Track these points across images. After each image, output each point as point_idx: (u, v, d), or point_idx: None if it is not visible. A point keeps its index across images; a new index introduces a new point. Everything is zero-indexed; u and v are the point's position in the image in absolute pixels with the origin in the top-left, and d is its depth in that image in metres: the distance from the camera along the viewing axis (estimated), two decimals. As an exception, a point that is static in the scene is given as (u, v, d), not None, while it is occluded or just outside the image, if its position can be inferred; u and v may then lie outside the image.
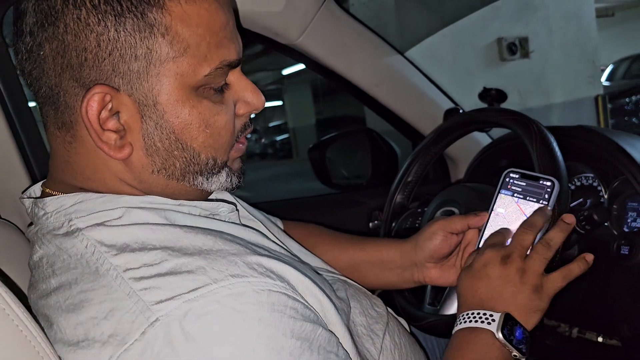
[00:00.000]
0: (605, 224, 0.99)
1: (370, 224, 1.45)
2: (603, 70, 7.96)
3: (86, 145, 0.60)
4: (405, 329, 0.85)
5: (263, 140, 16.27)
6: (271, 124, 17.22)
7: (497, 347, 0.63)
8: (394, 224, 1.15)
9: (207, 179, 0.64)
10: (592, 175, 1.10)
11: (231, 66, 0.62)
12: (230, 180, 0.67)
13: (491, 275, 0.66)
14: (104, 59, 0.56)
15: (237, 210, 0.71)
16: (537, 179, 0.75)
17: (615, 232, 1.01)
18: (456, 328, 0.67)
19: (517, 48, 4.28)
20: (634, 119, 7.31)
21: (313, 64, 1.24)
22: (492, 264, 0.67)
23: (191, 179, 0.63)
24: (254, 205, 0.88)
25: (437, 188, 1.42)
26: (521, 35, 4.33)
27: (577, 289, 1.06)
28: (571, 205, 1.11)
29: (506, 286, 0.65)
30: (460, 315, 0.67)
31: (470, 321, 0.65)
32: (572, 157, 1.13)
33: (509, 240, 0.71)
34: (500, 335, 0.62)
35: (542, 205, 0.73)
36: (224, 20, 0.60)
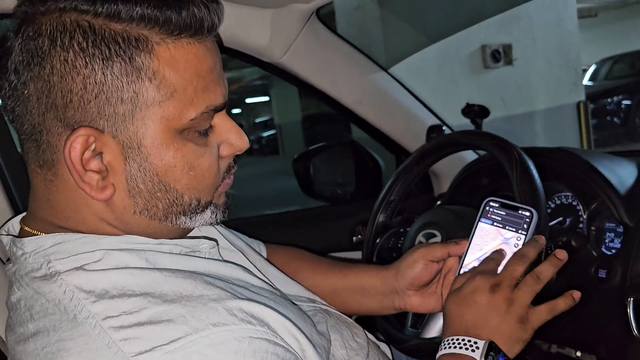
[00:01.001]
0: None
1: (354, 239, 1.45)
2: (585, 71, 8.04)
3: (67, 184, 0.60)
4: (387, 356, 0.85)
5: (249, 136, 16.18)
6: (257, 120, 17.17)
7: None
8: (376, 242, 1.16)
9: (190, 218, 0.64)
10: (570, 194, 1.12)
11: (216, 110, 0.62)
12: (215, 216, 0.67)
13: (479, 302, 0.67)
14: (90, 101, 0.56)
15: (217, 245, 0.71)
16: (517, 208, 0.76)
17: (595, 254, 1.03)
18: (440, 352, 0.68)
19: (500, 56, 4.30)
20: (615, 119, 7.41)
21: (297, 81, 1.24)
22: (480, 292, 0.67)
23: (174, 219, 0.63)
24: (239, 225, 0.87)
25: (420, 203, 1.44)
26: (505, 42, 4.36)
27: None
28: (550, 224, 1.13)
29: (492, 314, 0.66)
30: (445, 339, 0.68)
31: (455, 347, 0.65)
32: (551, 177, 1.14)
33: (500, 268, 0.72)
34: None
35: (521, 234, 0.74)
36: (212, 64, 0.61)
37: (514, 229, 0.75)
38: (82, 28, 0.55)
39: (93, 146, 0.57)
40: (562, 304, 0.69)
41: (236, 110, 20.01)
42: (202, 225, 0.67)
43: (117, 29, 0.55)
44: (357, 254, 1.42)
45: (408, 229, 1.13)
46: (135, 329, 0.52)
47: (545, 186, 1.12)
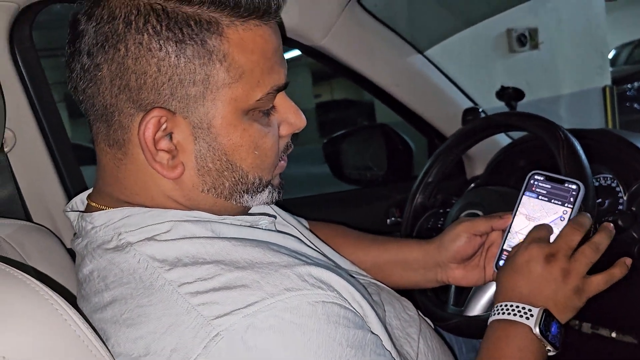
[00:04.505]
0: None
1: (388, 221, 1.46)
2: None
3: (137, 162, 0.61)
4: (436, 331, 0.87)
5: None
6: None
7: (533, 341, 0.64)
8: (415, 224, 1.17)
9: (252, 197, 0.66)
10: (610, 176, 1.12)
11: (279, 90, 0.63)
12: (271, 195, 0.69)
13: (534, 272, 0.67)
14: (163, 84, 0.57)
15: (275, 220, 0.73)
16: (563, 181, 0.76)
17: (635, 235, 1.03)
18: (492, 318, 0.68)
19: (526, 39, 4.24)
20: (635, 105, 7.30)
21: (335, 64, 1.25)
22: (535, 261, 0.67)
23: (238, 197, 0.65)
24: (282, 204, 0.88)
25: (454, 186, 1.44)
26: (531, 26, 4.29)
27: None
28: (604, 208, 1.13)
29: (548, 284, 0.66)
30: (498, 305, 0.68)
31: (509, 313, 0.66)
32: (593, 158, 1.14)
33: (553, 237, 0.71)
34: (537, 331, 0.63)
35: (568, 208, 0.74)
36: (276, 46, 0.62)
37: (559, 202, 0.75)
38: (155, 11, 0.56)
39: (164, 126, 0.59)
40: (618, 272, 0.69)
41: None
42: (261, 204, 0.68)
43: (189, 12, 0.56)
44: (391, 237, 1.42)
45: (448, 210, 1.14)
46: (212, 294, 0.54)
47: (588, 168, 1.12)
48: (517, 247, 0.72)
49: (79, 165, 1.06)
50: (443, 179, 1.18)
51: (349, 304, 0.59)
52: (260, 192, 0.67)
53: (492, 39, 4.25)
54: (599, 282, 0.68)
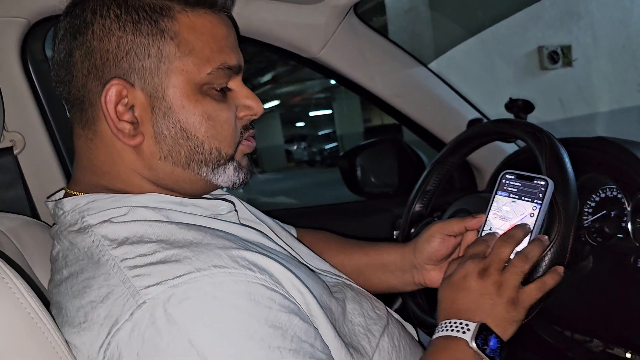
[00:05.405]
0: (619, 235, 0.98)
1: (394, 233, 1.46)
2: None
3: (104, 139, 0.69)
4: (410, 334, 0.87)
5: (312, 148, 16.42)
6: (320, 133, 17.37)
7: (470, 355, 0.65)
8: (412, 231, 1.18)
9: (212, 171, 0.71)
10: (615, 187, 1.09)
11: (231, 70, 0.70)
12: (238, 175, 0.73)
13: (470, 288, 0.69)
14: (122, 58, 0.65)
15: (235, 210, 0.76)
16: (532, 179, 0.77)
17: (638, 244, 1.00)
18: (434, 336, 0.70)
19: (559, 57, 4.16)
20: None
21: (335, 76, 1.28)
22: (470, 277, 0.69)
23: (195, 167, 0.70)
24: (279, 215, 0.92)
25: (457, 197, 1.43)
26: (563, 43, 4.21)
27: (597, 301, 1.05)
28: (594, 217, 1.10)
29: (484, 298, 0.68)
30: (439, 324, 0.70)
31: (447, 330, 0.67)
32: (595, 168, 1.12)
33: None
34: (473, 344, 0.64)
35: (537, 204, 0.75)
36: (225, 33, 0.70)
37: (529, 199, 0.75)
38: (117, 1, 0.66)
39: (126, 100, 0.66)
40: (550, 280, 0.70)
41: (300, 124, 20.30)
42: (227, 183, 0.73)
43: (145, 1, 0.66)
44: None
45: (443, 216, 1.14)
46: (147, 267, 0.58)
47: (590, 178, 1.10)
48: (456, 264, 0.74)
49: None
50: (448, 187, 1.18)
51: (283, 288, 0.61)
52: (222, 166, 0.71)
53: (522, 56, 4.19)
54: (531, 291, 0.69)
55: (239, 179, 0.73)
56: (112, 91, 0.65)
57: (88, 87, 0.67)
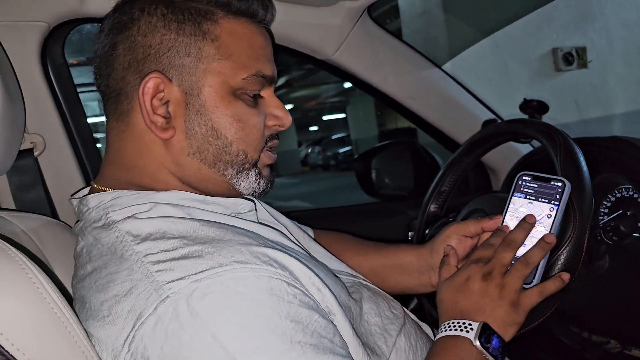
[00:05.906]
0: (635, 234, 0.97)
1: (410, 234, 1.47)
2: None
3: (135, 131, 0.71)
4: (427, 334, 0.87)
5: (326, 152, 16.45)
6: (334, 137, 17.39)
7: (474, 353, 0.66)
8: (427, 232, 1.18)
9: (237, 174, 0.72)
10: (630, 187, 1.08)
11: (265, 79, 0.72)
12: (259, 183, 0.74)
13: (472, 290, 0.71)
14: (163, 54, 0.68)
15: (255, 210, 0.77)
16: (549, 180, 0.77)
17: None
18: (438, 336, 0.71)
19: (574, 58, 4.13)
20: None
21: (349, 78, 1.29)
22: (473, 279, 0.71)
23: (221, 167, 0.71)
24: (295, 217, 0.93)
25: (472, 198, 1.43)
26: (578, 45, 4.19)
27: (613, 300, 1.04)
28: (610, 217, 1.09)
29: (485, 300, 0.70)
30: (442, 325, 0.71)
31: (451, 329, 0.69)
32: (609, 168, 1.11)
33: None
34: (477, 343, 0.66)
35: (554, 205, 0.75)
36: (263, 43, 0.74)
37: (546, 200, 0.76)
38: (165, 2, 0.70)
39: (162, 95, 0.68)
40: (551, 285, 0.72)
41: (314, 128, 20.33)
42: (247, 190, 0.74)
43: (192, 4, 0.70)
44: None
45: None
46: (170, 262, 0.59)
47: (605, 178, 1.09)
48: (460, 267, 0.75)
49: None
50: (463, 188, 1.18)
51: (303, 286, 0.62)
52: (246, 170, 0.73)
53: (537, 58, 4.16)
54: (532, 295, 0.71)
55: (260, 187, 0.75)
56: (151, 83, 0.67)
57: (127, 79, 0.69)
